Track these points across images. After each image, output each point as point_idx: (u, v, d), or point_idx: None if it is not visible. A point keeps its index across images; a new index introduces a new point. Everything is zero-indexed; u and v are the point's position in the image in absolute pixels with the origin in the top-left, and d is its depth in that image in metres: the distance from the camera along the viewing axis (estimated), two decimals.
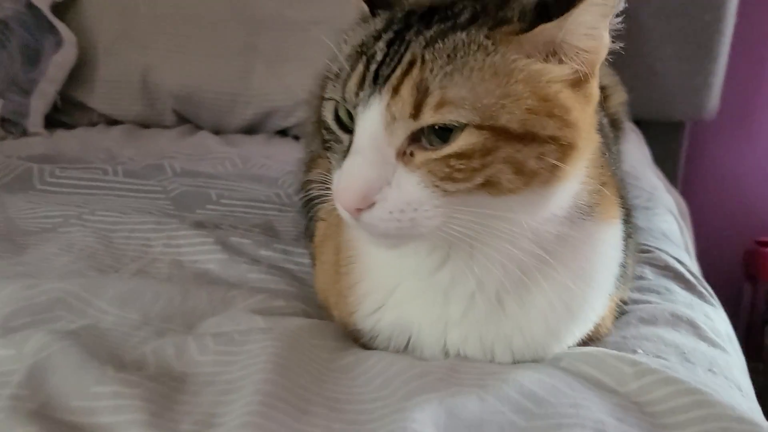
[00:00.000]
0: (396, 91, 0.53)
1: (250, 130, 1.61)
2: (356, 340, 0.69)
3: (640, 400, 0.57)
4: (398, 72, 0.54)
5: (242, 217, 1.05)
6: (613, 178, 0.69)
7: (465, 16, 0.56)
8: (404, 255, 0.63)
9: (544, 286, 0.61)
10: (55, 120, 1.62)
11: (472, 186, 0.54)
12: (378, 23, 0.59)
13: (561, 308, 0.62)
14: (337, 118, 0.59)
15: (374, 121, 0.54)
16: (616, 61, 1.99)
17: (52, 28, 1.61)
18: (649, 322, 0.71)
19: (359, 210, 0.54)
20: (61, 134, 1.55)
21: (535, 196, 0.56)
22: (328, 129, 0.59)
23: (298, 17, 1.58)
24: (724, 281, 2.10)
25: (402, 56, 0.54)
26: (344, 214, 0.55)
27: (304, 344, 0.63)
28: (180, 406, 0.56)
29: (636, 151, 1.52)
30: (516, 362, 0.64)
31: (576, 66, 0.56)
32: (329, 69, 0.59)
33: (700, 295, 0.82)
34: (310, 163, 0.90)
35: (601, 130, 0.77)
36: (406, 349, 0.66)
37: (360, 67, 0.55)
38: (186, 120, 1.65)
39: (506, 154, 0.53)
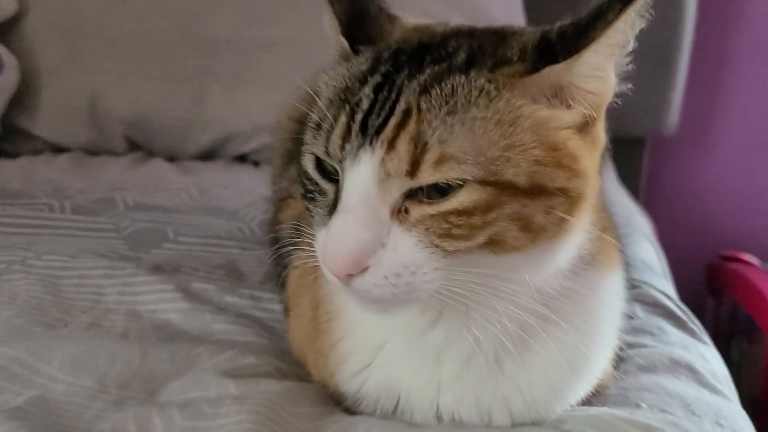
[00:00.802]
0: (391, 145, 0.48)
1: (207, 156, 1.55)
2: (338, 403, 0.63)
3: None
4: (392, 123, 0.48)
5: (203, 256, 0.98)
6: (612, 220, 0.65)
7: (461, 57, 0.51)
8: (381, 316, 0.57)
9: (546, 344, 0.56)
10: None
11: (473, 245, 0.49)
12: (362, 63, 0.53)
13: (564, 366, 0.57)
14: (318, 166, 0.53)
15: (365, 177, 0.48)
16: None
17: None
18: (649, 369, 0.68)
19: (350, 275, 0.48)
20: (2, 164, 1.45)
21: (541, 252, 0.51)
22: (309, 179, 0.53)
23: (256, 38, 1.52)
24: (687, 295, 2.11)
25: (394, 104, 0.49)
26: (332, 279, 0.49)
27: (283, 414, 0.57)
28: None
29: (606, 174, 1.50)
30: (515, 425, 0.59)
31: (583, 110, 0.51)
32: (309, 118, 0.53)
33: (692, 334, 0.79)
34: (279, 203, 0.84)
35: None
36: (394, 413, 0.60)
37: (343, 118, 0.50)
38: (138, 146, 1.57)
39: (512, 210, 0.48)
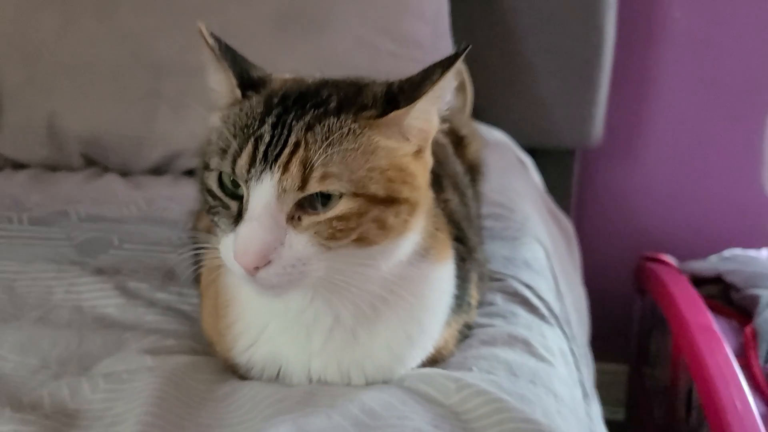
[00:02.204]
0: (286, 168, 0.63)
1: (158, 171, 1.66)
2: (235, 372, 0.78)
3: (459, 410, 0.70)
4: (286, 152, 0.64)
5: (142, 260, 1.11)
6: (447, 225, 0.82)
7: (333, 104, 0.67)
8: (274, 300, 0.73)
9: (388, 319, 0.73)
10: None
11: (348, 241, 0.65)
12: (257, 106, 0.68)
13: (402, 336, 0.74)
14: (221, 186, 0.68)
15: (267, 193, 0.63)
16: (508, 95, 2.14)
17: None
18: (489, 343, 0.84)
19: (257, 268, 0.63)
20: None
21: (391, 246, 0.69)
22: (213, 196, 0.68)
23: (200, 62, 1.65)
24: (617, 294, 2.29)
25: (287, 138, 0.64)
26: (239, 272, 0.64)
27: (185, 379, 0.73)
28: None
29: (518, 183, 1.65)
30: (369, 384, 0.75)
31: (417, 142, 0.69)
32: (212, 145, 0.68)
33: (541, 317, 0.95)
34: (197, 214, 0.99)
35: (455, 177, 0.90)
36: (277, 378, 0.76)
37: (249, 147, 0.65)
38: (94, 162, 1.68)
39: (374, 215, 0.65)
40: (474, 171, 1.09)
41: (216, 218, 0.69)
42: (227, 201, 0.67)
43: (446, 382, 0.72)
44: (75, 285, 0.99)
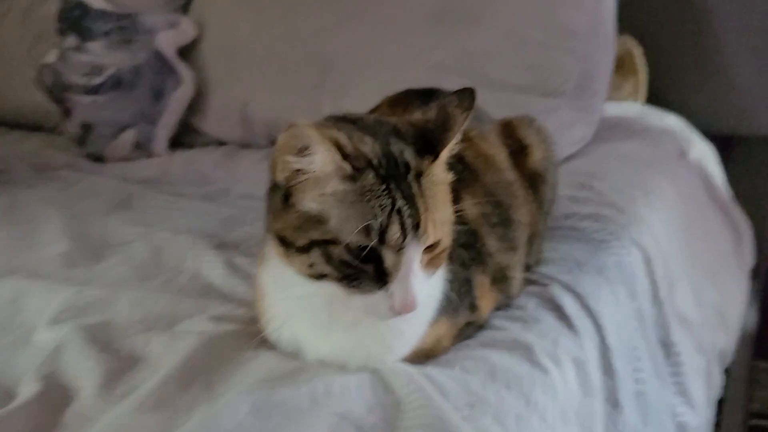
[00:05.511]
0: (424, 230, 0.76)
1: None
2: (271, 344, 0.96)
3: (405, 401, 0.79)
4: (423, 219, 0.76)
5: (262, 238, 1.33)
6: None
7: (413, 162, 0.79)
8: (301, 300, 0.86)
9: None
10: (177, 141, 2.04)
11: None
12: (372, 179, 0.76)
13: (385, 333, 0.85)
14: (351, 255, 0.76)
15: (415, 254, 0.76)
16: (695, 77, 2.09)
17: (173, 70, 2.02)
18: (487, 345, 0.90)
19: None
20: (177, 154, 1.97)
21: None
22: (349, 266, 0.76)
23: (358, 58, 1.85)
24: None
25: (417, 206, 0.76)
26: (389, 315, 0.78)
27: (220, 344, 0.91)
28: (125, 379, 0.87)
29: (654, 180, 1.59)
30: (359, 369, 0.87)
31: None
32: (350, 221, 0.75)
33: (568, 326, 0.98)
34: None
35: (488, 186, 0.98)
36: (299, 354, 0.91)
37: (396, 223, 0.75)
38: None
39: None
40: (534, 179, 1.13)
41: (355, 282, 0.77)
42: (363, 267, 0.76)
43: (404, 375, 0.82)
44: (200, 256, 1.22)
